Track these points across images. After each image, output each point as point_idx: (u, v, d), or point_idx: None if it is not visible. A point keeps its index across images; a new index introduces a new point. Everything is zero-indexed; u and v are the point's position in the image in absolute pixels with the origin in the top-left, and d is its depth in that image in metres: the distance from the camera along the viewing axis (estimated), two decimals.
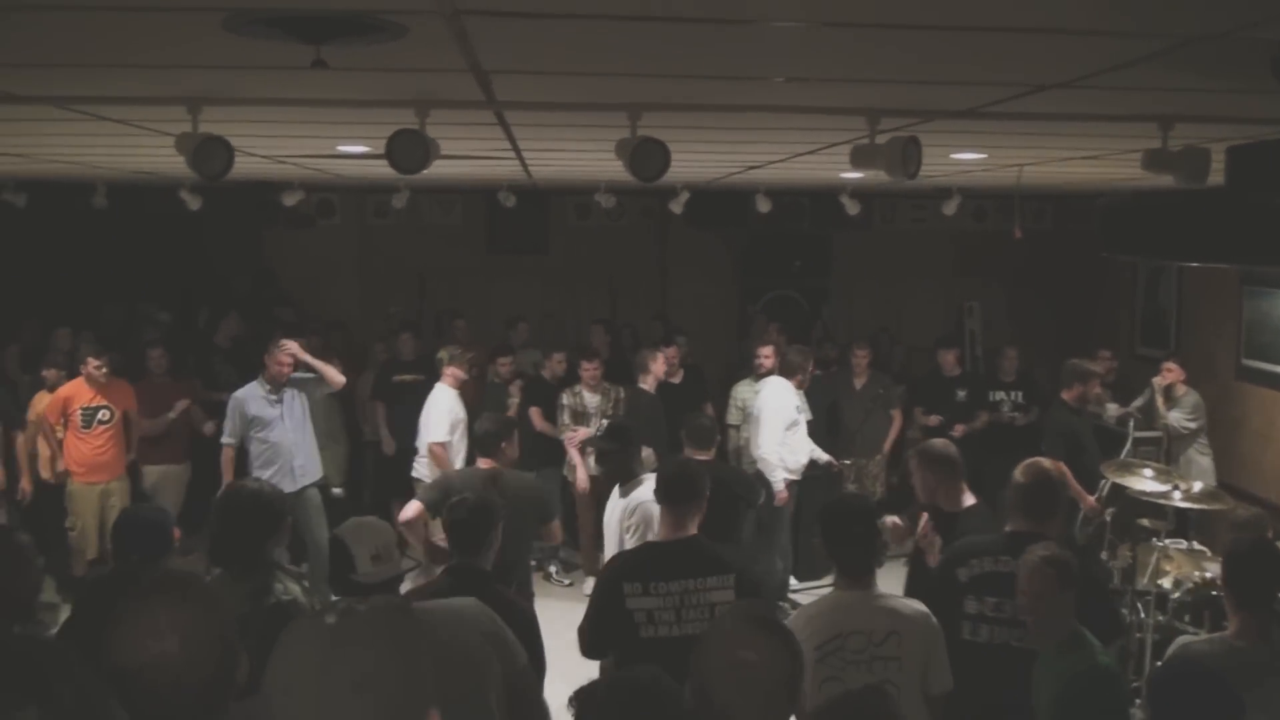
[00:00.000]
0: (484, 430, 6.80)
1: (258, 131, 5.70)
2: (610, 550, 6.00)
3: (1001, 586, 4.48)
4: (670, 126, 4.63)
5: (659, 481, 5.02)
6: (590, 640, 4.80)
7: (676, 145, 4.60)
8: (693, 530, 4.86)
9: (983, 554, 4.67)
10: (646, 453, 8.94)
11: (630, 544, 5.80)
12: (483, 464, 6.69)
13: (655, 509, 5.40)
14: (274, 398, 8.55)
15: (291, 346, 8.61)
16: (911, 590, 5.35)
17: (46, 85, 4.47)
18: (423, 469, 9.02)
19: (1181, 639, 4.84)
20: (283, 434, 8.48)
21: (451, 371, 9.14)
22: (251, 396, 8.55)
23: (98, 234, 12.35)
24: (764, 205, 10.50)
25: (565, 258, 13.75)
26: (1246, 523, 7.01)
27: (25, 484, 8.92)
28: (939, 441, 6.07)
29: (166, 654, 2.15)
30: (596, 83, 4.01)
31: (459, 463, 8.73)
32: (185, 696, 2.16)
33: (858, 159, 4.73)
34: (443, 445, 8.85)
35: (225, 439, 8.58)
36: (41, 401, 9.28)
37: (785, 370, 9.25)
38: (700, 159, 7.15)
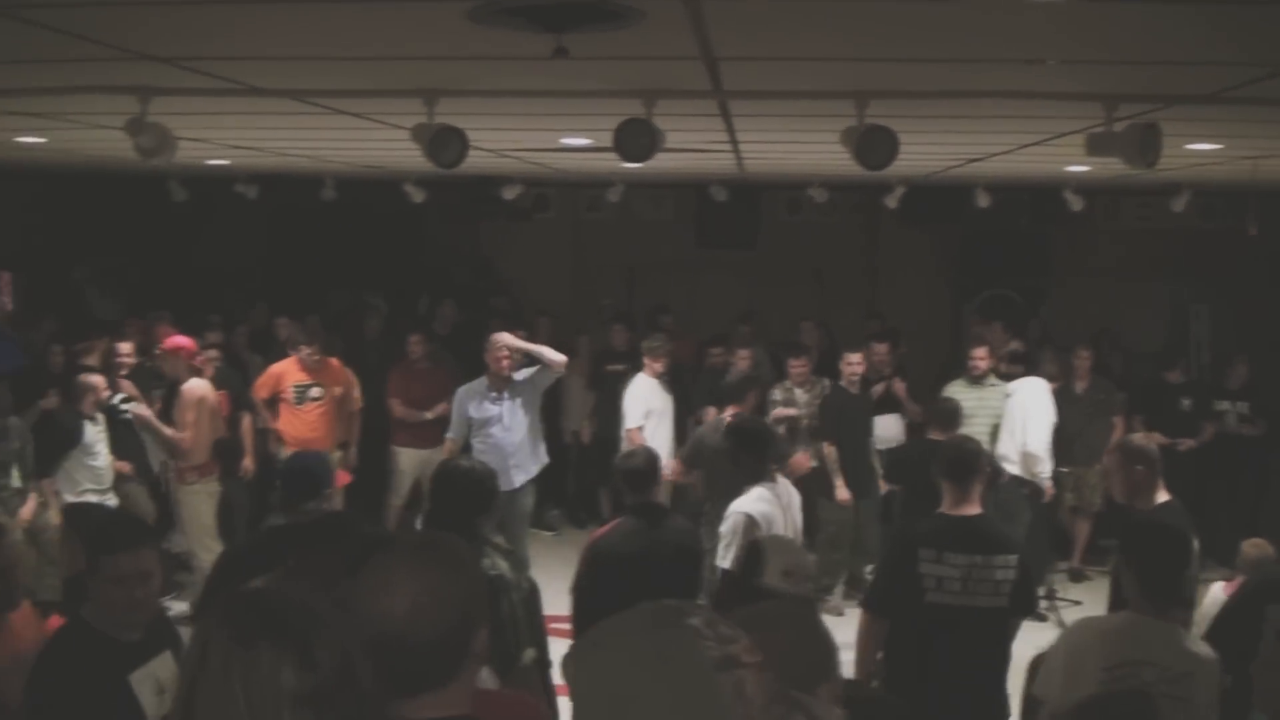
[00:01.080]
0: (731, 381, 8.37)
1: (489, 124, 5.86)
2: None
3: None
4: (897, 115, 4.57)
5: (942, 461, 5.23)
6: (879, 597, 5.13)
7: (902, 136, 4.54)
8: (978, 507, 5.13)
9: None
10: (828, 450, 8.96)
11: (719, 553, 5.64)
12: (729, 411, 7.90)
13: (742, 519, 5.53)
14: (495, 395, 8.41)
15: (504, 338, 8.55)
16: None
17: (288, 78, 4.69)
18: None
19: None
20: (501, 434, 8.37)
21: (648, 363, 9.30)
22: (472, 395, 8.44)
23: (324, 225, 12.91)
24: (984, 200, 10.28)
25: (773, 253, 13.70)
26: None
27: (249, 462, 9.37)
28: (1139, 436, 5.87)
29: (393, 613, 2.18)
30: (825, 68, 4.00)
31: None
32: (411, 657, 2.21)
33: (1094, 146, 4.59)
34: (637, 430, 9.04)
35: (449, 434, 8.61)
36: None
37: (1045, 375, 9.35)
38: (923, 151, 7.04)
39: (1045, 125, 5.68)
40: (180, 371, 8.53)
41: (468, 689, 2.34)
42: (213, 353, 9.90)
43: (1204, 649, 3.92)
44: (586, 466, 11.13)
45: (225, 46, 3.95)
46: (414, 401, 9.79)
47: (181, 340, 8.69)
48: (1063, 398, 9.81)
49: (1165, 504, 5.30)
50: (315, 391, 9.38)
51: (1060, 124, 5.51)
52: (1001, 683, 5.01)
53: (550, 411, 11.22)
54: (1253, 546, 6.57)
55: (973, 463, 5.17)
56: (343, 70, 4.44)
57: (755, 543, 4.31)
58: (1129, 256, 13.11)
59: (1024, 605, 5.10)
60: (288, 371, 9.42)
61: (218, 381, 9.14)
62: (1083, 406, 9.89)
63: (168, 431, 8.35)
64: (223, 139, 7.55)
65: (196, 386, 8.47)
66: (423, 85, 4.63)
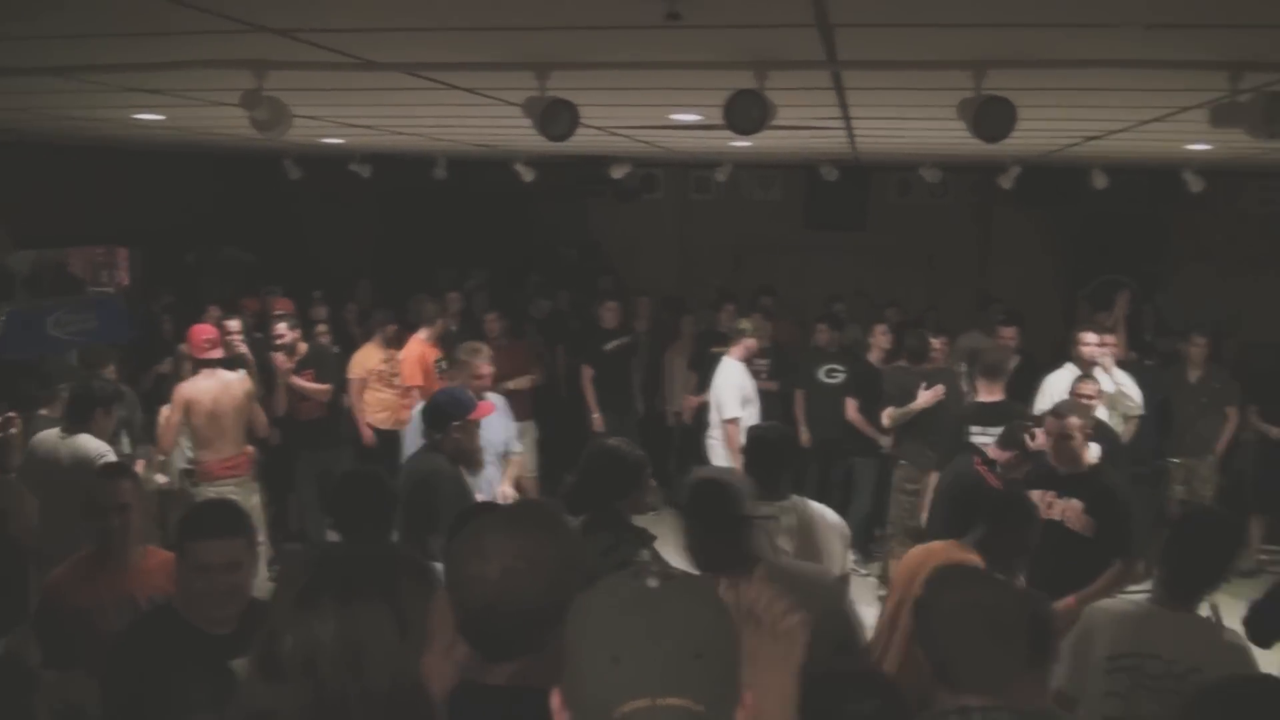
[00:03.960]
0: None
1: (600, 99, 5.86)
2: None
3: None
4: (1016, 88, 4.48)
5: (981, 362, 7.92)
6: (945, 457, 7.15)
7: (1020, 110, 4.46)
8: (1001, 395, 7.70)
9: None
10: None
11: None
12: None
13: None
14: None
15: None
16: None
17: (401, 51, 4.72)
18: (716, 444, 8.98)
19: None
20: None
21: (744, 344, 9.01)
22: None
23: (435, 205, 13.08)
24: (1100, 181, 10.07)
25: (883, 235, 13.58)
26: None
27: (366, 432, 9.54)
28: None
29: (486, 578, 2.18)
30: (943, 36, 3.93)
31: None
32: (503, 623, 2.20)
33: (1218, 118, 4.45)
34: (735, 422, 8.68)
35: None
36: (369, 357, 9.79)
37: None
38: (1041, 127, 6.90)
39: (1166, 99, 5.52)
40: (183, 364, 8.38)
41: (560, 659, 2.32)
42: (321, 328, 10.08)
43: (1221, 642, 3.81)
44: (689, 447, 11.04)
45: (340, 18, 3.99)
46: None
47: (199, 329, 8.41)
48: (1176, 387, 9.58)
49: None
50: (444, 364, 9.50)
51: (1182, 97, 5.36)
52: None
53: (651, 392, 11.28)
54: None
55: (1002, 364, 7.80)
56: (456, 42, 4.46)
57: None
58: (1250, 241, 12.75)
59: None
60: (428, 350, 9.48)
61: (308, 361, 9.25)
62: (1196, 396, 9.64)
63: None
64: (337, 116, 7.65)
65: (186, 388, 7.95)
66: (535, 58, 4.64)
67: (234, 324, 8.81)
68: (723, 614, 1.60)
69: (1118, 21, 3.60)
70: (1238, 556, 4.22)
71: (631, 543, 4.45)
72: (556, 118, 4.83)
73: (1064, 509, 5.77)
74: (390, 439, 9.14)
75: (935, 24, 3.74)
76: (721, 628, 1.58)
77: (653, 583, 1.59)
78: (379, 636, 1.71)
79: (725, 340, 10.13)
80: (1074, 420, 5.90)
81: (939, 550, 4.72)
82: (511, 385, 9.53)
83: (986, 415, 7.47)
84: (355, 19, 3.99)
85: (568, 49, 4.46)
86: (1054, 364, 9.73)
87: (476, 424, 5.94)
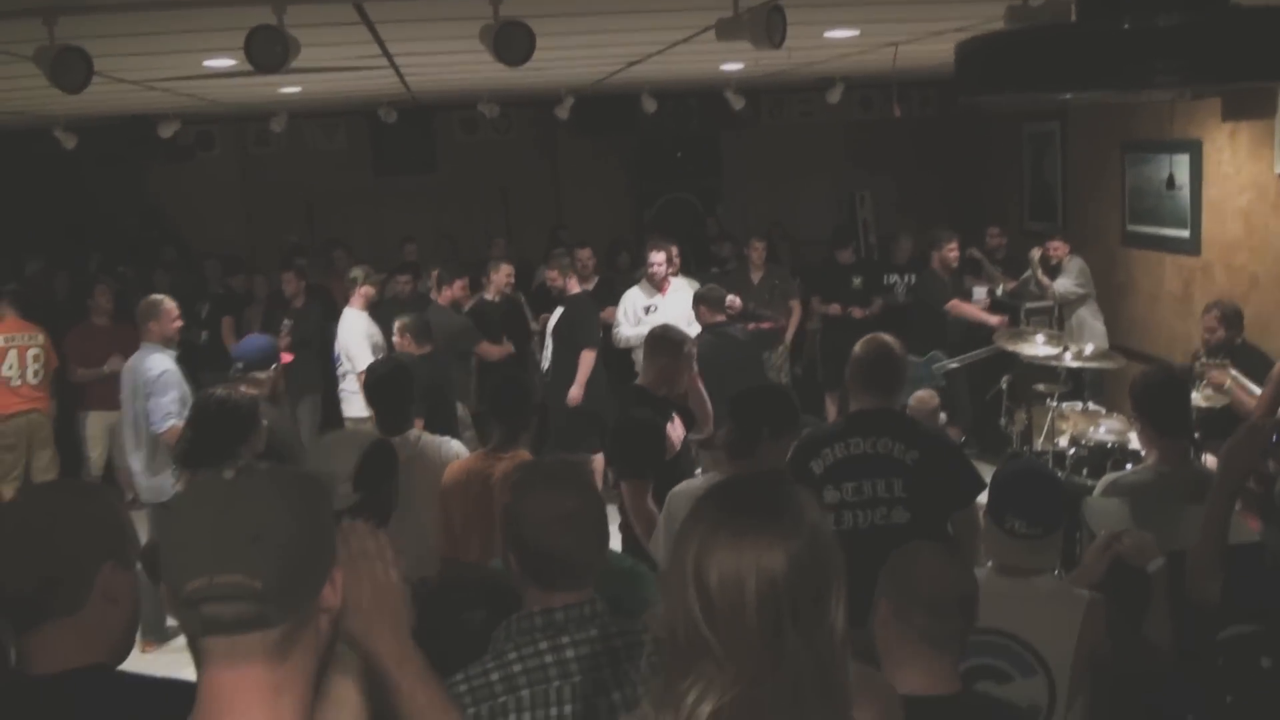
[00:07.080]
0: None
1: (118, 49, 5.54)
2: None
3: (857, 470, 4.45)
4: (535, 15, 4.57)
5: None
6: None
7: (545, 36, 4.56)
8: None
9: (832, 441, 4.53)
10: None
11: None
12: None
13: None
14: None
15: None
16: None
17: None
18: (353, 396, 8.75)
19: (1110, 475, 4.91)
20: None
21: (364, 292, 8.89)
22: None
23: None
24: (650, 105, 10.47)
25: (455, 175, 13.60)
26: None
27: None
28: None
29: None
30: None
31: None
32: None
33: (723, 31, 4.74)
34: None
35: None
36: None
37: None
38: (574, 54, 7.09)
39: (680, 19, 5.79)
40: None
41: (92, 629, 2.17)
42: None
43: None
44: None
45: None
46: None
47: None
48: (741, 287, 10.23)
49: None
50: None
51: (696, 17, 5.62)
52: None
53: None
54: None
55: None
56: None
57: None
58: (795, 151, 13.69)
59: None
60: None
61: None
62: (760, 294, 10.38)
63: None
64: None
65: None
66: (38, 2, 4.33)
67: None
68: (296, 504, 1.64)
69: None
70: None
71: None
72: (69, 67, 4.55)
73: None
74: None
75: None
76: (289, 514, 1.61)
77: (228, 474, 1.64)
78: None
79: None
80: None
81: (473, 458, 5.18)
82: (107, 369, 8.80)
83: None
84: None
85: None
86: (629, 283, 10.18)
87: None
